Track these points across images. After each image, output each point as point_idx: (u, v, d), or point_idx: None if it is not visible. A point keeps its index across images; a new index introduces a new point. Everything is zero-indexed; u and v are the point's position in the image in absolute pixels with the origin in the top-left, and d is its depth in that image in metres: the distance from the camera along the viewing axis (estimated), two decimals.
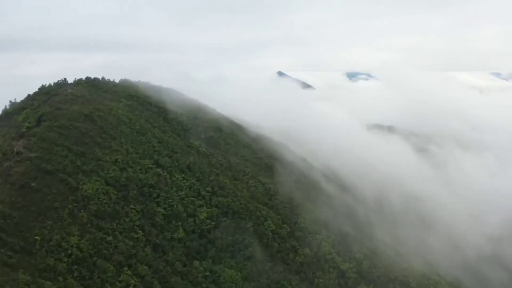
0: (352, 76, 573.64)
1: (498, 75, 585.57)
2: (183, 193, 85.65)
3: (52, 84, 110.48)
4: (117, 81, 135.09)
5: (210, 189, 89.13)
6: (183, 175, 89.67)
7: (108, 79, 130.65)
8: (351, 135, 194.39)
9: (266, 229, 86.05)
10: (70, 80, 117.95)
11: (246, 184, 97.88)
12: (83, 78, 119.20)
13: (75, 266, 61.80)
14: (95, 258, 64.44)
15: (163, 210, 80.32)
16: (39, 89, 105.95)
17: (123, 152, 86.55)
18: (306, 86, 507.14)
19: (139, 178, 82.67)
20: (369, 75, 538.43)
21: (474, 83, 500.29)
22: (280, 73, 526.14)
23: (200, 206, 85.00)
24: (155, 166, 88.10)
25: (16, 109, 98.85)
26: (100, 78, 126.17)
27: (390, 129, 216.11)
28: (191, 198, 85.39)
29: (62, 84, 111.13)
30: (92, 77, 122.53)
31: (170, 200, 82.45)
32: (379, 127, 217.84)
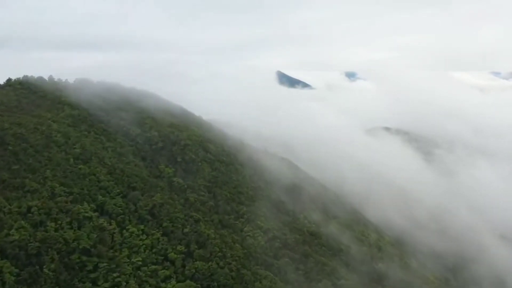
0: (351, 75, 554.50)
1: (497, 74, 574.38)
2: (139, 259, 53.99)
3: None
4: (75, 81, 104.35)
5: (183, 247, 57.42)
6: (142, 227, 57.96)
7: (59, 79, 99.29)
8: (356, 142, 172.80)
9: None
10: None
11: (240, 234, 66.42)
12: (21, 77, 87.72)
13: None
14: None
15: None
16: None
17: (44, 193, 54.78)
18: (305, 85, 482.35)
19: (65, 238, 50.96)
20: (368, 75, 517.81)
21: (475, 82, 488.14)
22: (279, 73, 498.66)
23: (166, 278, 53.49)
24: (97, 214, 56.45)
25: None
26: (47, 78, 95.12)
27: (394, 132, 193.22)
28: (152, 267, 53.78)
29: None
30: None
31: (115, 274, 50.88)
32: (381, 130, 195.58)
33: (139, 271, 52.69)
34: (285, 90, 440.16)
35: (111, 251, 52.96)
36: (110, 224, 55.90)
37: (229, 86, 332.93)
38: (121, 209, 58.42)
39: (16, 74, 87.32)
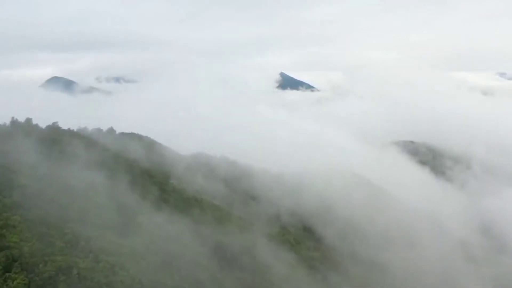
0: (357, 76, 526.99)
1: (503, 74, 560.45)
2: None
3: None
4: None
5: None
6: None
7: None
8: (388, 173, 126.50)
9: None
10: None
11: None
12: None
13: None
14: None
15: None
16: None
17: None
18: (309, 87, 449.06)
19: None
20: (373, 76, 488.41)
21: (480, 83, 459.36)
22: (283, 74, 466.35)
23: None
24: None
25: None
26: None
27: (419, 146, 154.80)
28: None
29: None
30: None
31: None
32: (403, 144, 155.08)
33: None
34: (288, 93, 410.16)
35: None
36: None
37: (229, 91, 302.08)
38: None
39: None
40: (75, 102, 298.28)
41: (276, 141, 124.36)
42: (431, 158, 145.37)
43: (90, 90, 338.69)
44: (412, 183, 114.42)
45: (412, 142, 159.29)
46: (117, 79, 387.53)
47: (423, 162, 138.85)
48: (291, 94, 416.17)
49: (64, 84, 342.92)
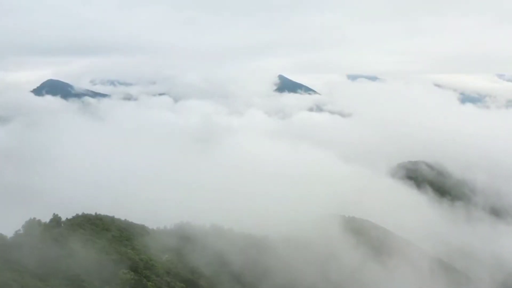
0: (353, 78, 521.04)
1: (501, 76, 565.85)
2: None
3: None
4: None
5: None
6: None
7: None
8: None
9: None
10: None
11: None
12: None
13: None
14: None
15: None
16: None
17: None
18: (307, 89, 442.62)
19: None
20: (373, 81, 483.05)
21: (479, 85, 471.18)
22: (281, 77, 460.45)
23: None
24: None
25: None
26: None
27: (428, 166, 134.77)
28: None
29: None
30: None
31: None
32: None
33: None
34: (285, 96, 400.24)
35: None
36: None
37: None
38: None
39: None
40: (68, 106, 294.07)
41: (240, 179, 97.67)
42: (434, 177, 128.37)
43: (84, 93, 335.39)
44: (419, 224, 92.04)
45: (411, 162, 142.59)
46: (112, 82, 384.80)
47: (425, 189, 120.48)
48: (287, 98, 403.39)
49: (59, 86, 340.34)
